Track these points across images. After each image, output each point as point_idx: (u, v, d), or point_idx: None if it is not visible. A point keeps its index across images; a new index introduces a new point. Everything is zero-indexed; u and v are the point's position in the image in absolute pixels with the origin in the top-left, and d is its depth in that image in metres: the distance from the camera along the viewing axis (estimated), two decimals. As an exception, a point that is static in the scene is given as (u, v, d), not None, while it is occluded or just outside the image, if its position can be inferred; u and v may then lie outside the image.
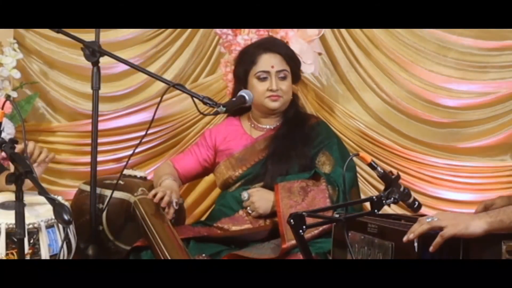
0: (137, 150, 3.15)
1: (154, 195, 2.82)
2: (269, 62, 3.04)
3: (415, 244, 2.10)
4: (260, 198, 2.95)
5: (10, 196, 2.62)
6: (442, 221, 2.07)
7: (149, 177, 3.34)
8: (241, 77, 3.10)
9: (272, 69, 3.03)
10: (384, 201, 2.22)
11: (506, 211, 2.09)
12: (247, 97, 2.91)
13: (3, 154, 2.29)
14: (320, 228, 2.80)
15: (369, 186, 3.48)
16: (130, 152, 3.25)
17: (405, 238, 2.11)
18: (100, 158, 3.25)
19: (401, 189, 2.31)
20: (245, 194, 2.97)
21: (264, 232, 2.93)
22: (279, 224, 2.81)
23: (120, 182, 2.98)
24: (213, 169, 3.16)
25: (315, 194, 2.88)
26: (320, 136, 3.07)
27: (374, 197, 2.22)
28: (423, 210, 2.52)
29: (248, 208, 2.96)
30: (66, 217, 1.98)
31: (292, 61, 3.09)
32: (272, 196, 2.93)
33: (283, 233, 2.76)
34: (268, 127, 3.11)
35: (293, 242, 2.67)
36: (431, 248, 2.06)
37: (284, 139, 3.03)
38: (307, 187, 2.91)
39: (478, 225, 2.05)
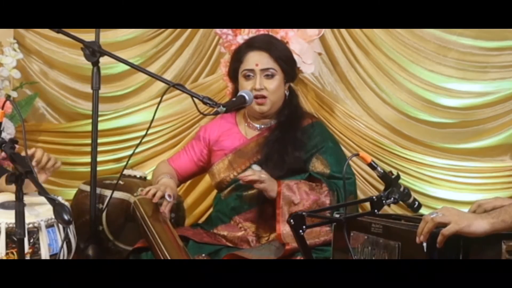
0: (137, 150, 3.15)
1: (147, 192, 2.83)
2: (254, 60, 2.98)
3: (424, 244, 2.10)
4: (270, 178, 2.84)
5: (10, 196, 2.62)
6: (446, 217, 2.08)
7: (148, 177, 3.34)
8: (232, 76, 3.09)
9: (257, 67, 2.96)
10: (384, 201, 2.22)
11: (507, 210, 2.09)
12: (247, 97, 2.91)
13: (3, 154, 2.29)
14: (322, 239, 2.81)
15: (369, 186, 3.48)
16: (130, 152, 3.25)
17: (418, 240, 2.11)
18: (100, 158, 3.25)
19: (401, 189, 2.31)
20: (257, 167, 2.84)
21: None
22: (277, 223, 2.80)
23: (120, 182, 2.99)
24: (209, 168, 3.14)
25: (317, 201, 2.87)
26: (313, 139, 3.02)
27: (374, 197, 2.22)
28: (423, 210, 2.52)
29: (255, 183, 2.80)
30: (66, 217, 1.98)
31: (282, 59, 2.99)
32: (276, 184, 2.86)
33: (280, 233, 2.76)
34: (262, 126, 3.07)
35: (295, 245, 2.67)
36: (437, 245, 2.07)
37: (276, 143, 2.96)
38: (309, 190, 2.88)
39: (480, 225, 2.05)
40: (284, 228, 2.75)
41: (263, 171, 2.85)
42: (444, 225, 2.07)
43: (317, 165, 2.99)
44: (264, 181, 2.81)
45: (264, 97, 2.96)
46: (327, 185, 2.89)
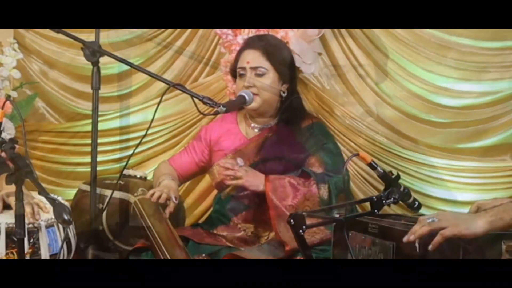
0: (137, 150, 3.15)
1: (152, 195, 2.83)
2: (246, 58, 2.99)
3: (416, 244, 2.10)
4: (252, 174, 2.83)
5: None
6: (443, 222, 2.07)
7: (149, 177, 3.34)
8: (232, 76, 3.10)
9: (247, 65, 2.98)
10: (384, 201, 2.22)
11: (505, 208, 2.09)
12: (247, 97, 2.92)
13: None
14: (318, 237, 2.80)
15: (369, 186, 3.48)
16: (130, 152, 3.25)
17: (405, 239, 2.10)
18: (100, 158, 3.25)
19: (401, 189, 2.32)
20: (240, 161, 2.87)
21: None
22: (272, 218, 2.79)
23: (120, 182, 2.99)
24: (210, 168, 3.14)
25: (306, 194, 2.86)
26: (313, 139, 3.02)
27: (374, 197, 2.22)
28: (423, 210, 2.52)
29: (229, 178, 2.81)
30: (66, 217, 1.98)
31: (275, 59, 2.99)
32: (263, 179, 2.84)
33: (277, 231, 2.76)
34: (263, 126, 3.08)
35: (295, 246, 2.67)
36: (430, 247, 2.06)
37: (276, 145, 2.97)
38: (298, 185, 2.88)
39: (479, 225, 2.05)
40: (279, 225, 2.74)
41: (244, 167, 2.84)
42: (441, 230, 2.07)
43: (312, 162, 2.97)
44: (241, 177, 2.79)
45: (254, 94, 2.96)
46: (314, 178, 2.87)
